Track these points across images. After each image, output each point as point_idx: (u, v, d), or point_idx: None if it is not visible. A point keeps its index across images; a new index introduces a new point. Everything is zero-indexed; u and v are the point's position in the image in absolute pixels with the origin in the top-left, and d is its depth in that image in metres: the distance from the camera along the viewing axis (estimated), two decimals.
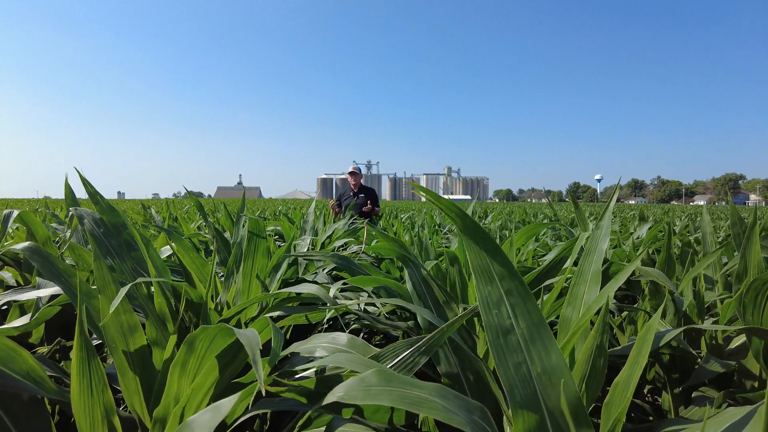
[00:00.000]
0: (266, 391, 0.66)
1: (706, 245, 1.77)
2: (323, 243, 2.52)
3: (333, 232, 2.75)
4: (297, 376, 0.90)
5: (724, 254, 1.97)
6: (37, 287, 1.21)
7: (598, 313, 0.88)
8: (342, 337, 0.92)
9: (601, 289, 0.90)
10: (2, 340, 0.75)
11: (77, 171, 1.20)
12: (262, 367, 0.54)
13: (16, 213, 1.78)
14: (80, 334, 0.69)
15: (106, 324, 0.82)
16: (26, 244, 1.08)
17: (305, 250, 2.00)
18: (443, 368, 0.91)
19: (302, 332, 1.59)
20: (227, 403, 0.59)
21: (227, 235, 2.60)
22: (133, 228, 1.19)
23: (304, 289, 0.95)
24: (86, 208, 1.23)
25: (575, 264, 1.50)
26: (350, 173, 5.15)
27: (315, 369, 0.90)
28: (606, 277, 1.44)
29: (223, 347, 0.76)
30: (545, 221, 5.40)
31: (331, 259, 1.30)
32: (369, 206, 4.96)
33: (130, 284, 0.83)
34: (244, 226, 1.36)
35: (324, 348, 0.90)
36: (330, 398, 0.58)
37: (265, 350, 1.10)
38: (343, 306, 1.01)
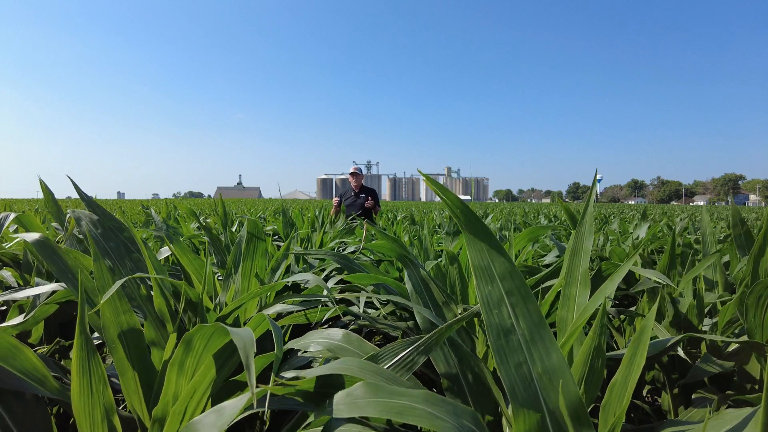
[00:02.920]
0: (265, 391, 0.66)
1: (706, 246, 1.77)
2: (321, 244, 2.53)
3: (330, 232, 2.76)
4: (295, 375, 0.90)
5: (725, 254, 1.97)
6: (35, 286, 1.21)
7: (595, 314, 0.88)
8: (337, 333, 0.92)
9: (592, 289, 0.90)
10: (5, 337, 0.75)
11: (70, 179, 1.20)
12: (254, 374, 0.54)
13: (12, 216, 1.77)
14: (81, 333, 0.69)
15: (106, 323, 0.82)
16: (37, 236, 1.07)
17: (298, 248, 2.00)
18: (442, 368, 0.91)
19: (302, 331, 1.59)
20: (231, 406, 0.59)
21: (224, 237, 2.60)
22: (133, 229, 1.19)
23: (301, 277, 0.95)
24: (81, 209, 1.23)
25: None
26: (351, 174, 5.20)
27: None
28: (605, 277, 1.44)
29: (220, 346, 0.76)
30: (546, 223, 5.40)
31: (331, 258, 1.30)
32: (370, 202, 4.99)
33: (124, 278, 0.83)
34: (243, 226, 1.36)
35: (318, 343, 0.90)
36: (324, 412, 0.59)
37: (261, 347, 1.10)
38: (342, 306, 1.01)
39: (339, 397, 0.59)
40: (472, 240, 0.73)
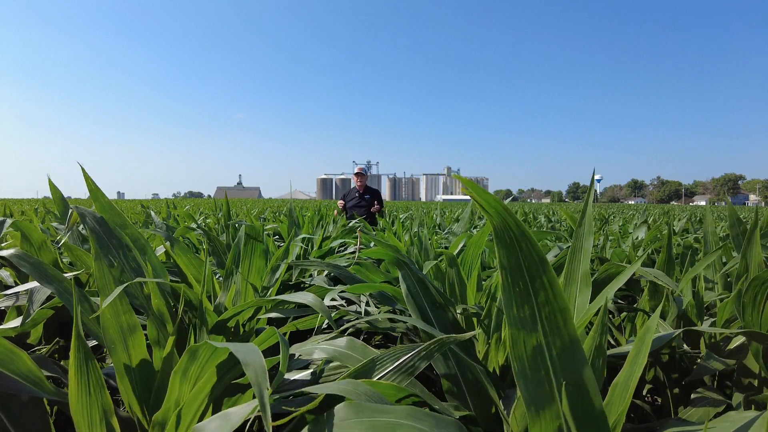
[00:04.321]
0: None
1: (708, 245, 1.76)
2: (321, 244, 2.52)
3: (332, 231, 2.76)
4: (295, 377, 0.90)
5: (724, 254, 1.97)
6: (32, 286, 1.20)
7: (597, 313, 0.88)
8: (341, 340, 0.92)
9: (594, 290, 0.90)
10: (0, 341, 0.75)
11: (81, 167, 1.18)
12: (269, 410, 0.51)
13: (9, 221, 1.78)
14: (77, 337, 0.69)
15: (106, 324, 0.82)
16: (12, 250, 1.07)
17: (297, 250, 2.00)
18: (442, 370, 0.91)
19: (301, 331, 1.59)
20: (237, 413, 0.59)
21: (224, 237, 2.60)
22: (133, 227, 1.19)
23: (300, 298, 0.95)
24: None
25: None
26: (356, 174, 5.17)
27: (312, 370, 0.90)
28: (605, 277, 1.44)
29: (224, 357, 0.75)
30: (545, 225, 5.40)
31: (326, 268, 1.31)
32: (377, 207, 4.97)
33: (126, 283, 0.83)
34: (241, 228, 1.36)
35: (323, 350, 0.90)
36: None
37: (264, 352, 1.10)
38: (342, 311, 1.00)
39: (324, 419, 0.59)
40: (508, 255, 0.60)
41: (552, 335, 0.61)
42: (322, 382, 0.77)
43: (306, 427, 0.60)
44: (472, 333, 0.81)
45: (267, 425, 0.49)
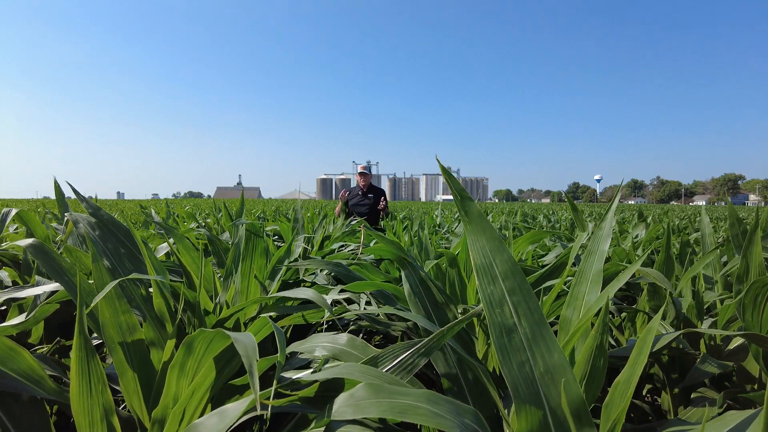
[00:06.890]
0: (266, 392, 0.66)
1: (705, 245, 1.77)
2: (322, 244, 2.52)
3: (332, 232, 2.76)
4: (296, 377, 0.90)
5: (724, 254, 1.97)
6: (36, 285, 1.20)
7: (598, 313, 0.88)
8: (342, 338, 0.92)
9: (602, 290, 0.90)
10: (1, 339, 0.75)
11: (70, 185, 1.21)
12: (258, 381, 0.53)
13: (14, 212, 1.77)
14: (80, 333, 0.69)
15: (105, 323, 0.82)
16: (30, 240, 1.07)
17: (300, 251, 2.00)
18: (442, 369, 0.91)
19: (301, 331, 1.59)
20: (234, 409, 0.59)
21: (226, 235, 2.59)
22: (133, 229, 1.19)
23: (300, 294, 0.95)
24: (81, 209, 1.23)
25: (574, 265, 1.50)
26: (360, 173, 5.02)
27: (313, 370, 0.90)
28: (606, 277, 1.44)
29: (221, 349, 0.75)
30: (545, 225, 5.41)
31: (326, 267, 1.31)
32: (383, 203, 4.85)
33: (119, 279, 0.82)
34: (242, 226, 1.36)
35: (324, 348, 0.90)
36: (326, 415, 0.60)
37: (263, 349, 1.10)
38: (342, 307, 1.00)
39: (342, 399, 0.59)
40: (474, 237, 0.73)
41: (519, 314, 0.68)
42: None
43: (328, 406, 0.60)
44: (474, 312, 0.81)
45: (255, 392, 0.50)
